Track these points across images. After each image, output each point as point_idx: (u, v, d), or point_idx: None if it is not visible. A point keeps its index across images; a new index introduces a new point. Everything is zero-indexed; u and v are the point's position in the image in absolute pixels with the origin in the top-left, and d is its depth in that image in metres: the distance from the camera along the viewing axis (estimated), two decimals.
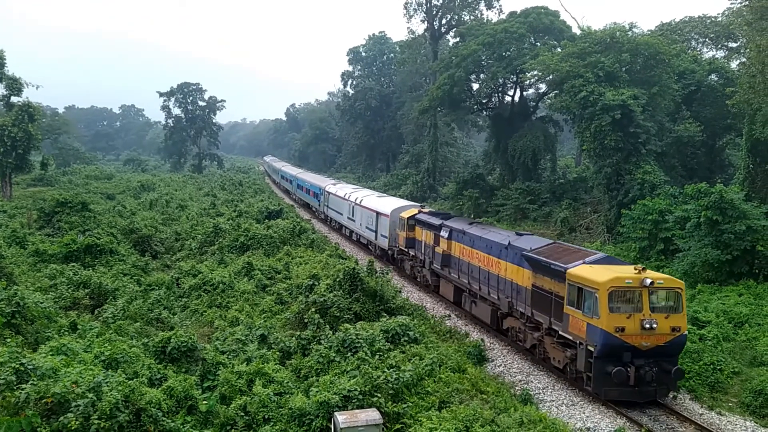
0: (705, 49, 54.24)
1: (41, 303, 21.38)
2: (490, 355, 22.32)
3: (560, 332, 18.70)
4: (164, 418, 13.94)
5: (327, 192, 52.99)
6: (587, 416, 17.42)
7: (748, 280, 26.09)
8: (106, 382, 13.95)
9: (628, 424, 16.76)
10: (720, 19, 52.63)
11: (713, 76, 44.16)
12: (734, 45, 50.57)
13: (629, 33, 43.34)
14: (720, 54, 52.69)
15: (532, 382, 19.99)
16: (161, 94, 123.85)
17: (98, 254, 32.29)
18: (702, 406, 18.04)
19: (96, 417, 12.97)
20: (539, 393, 19.08)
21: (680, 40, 50.82)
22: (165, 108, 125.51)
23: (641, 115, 37.67)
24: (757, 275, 26.45)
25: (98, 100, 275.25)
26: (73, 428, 12.66)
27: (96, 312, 23.47)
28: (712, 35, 52.87)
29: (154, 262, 36.24)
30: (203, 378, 17.46)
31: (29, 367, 14.23)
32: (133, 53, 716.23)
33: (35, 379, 13.82)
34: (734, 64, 46.34)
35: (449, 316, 27.25)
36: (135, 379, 15.02)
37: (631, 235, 33.70)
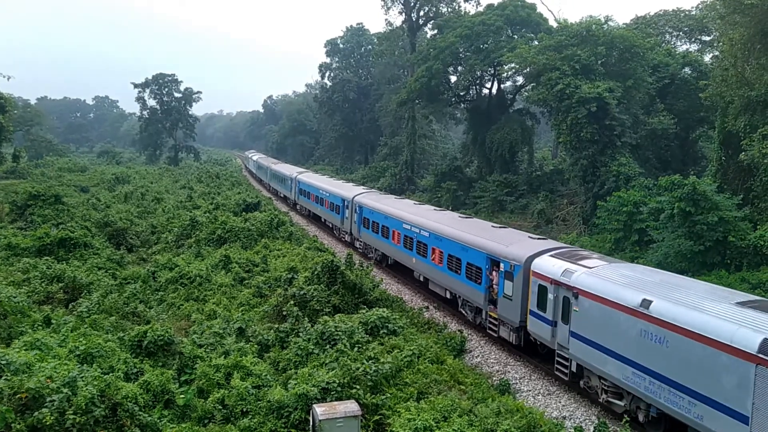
0: (679, 43, 55.05)
1: (14, 297, 21.01)
2: (469, 346, 22.50)
3: None
4: (141, 413, 13.81)
5: (491, 258, 22.79)
6: (563, 405, 17.71)
7: (720, 270, 26.50)
8: (82, 377, 13.74)
9: (602, 412, 17.05)
10: (694, 12, 53.46)
11: (687, 70, 44.73)
12: (707, 38, 51.40)
13: (605, 26, 43.73)
14: (693, 47, 53.57)
15: (509, 372, 20.22)
16: (136, 86, 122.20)
17: (72, 248, 31.80)
18: None
19: (71, 412, 12.79)
20: (516, 383, 19.30)
21: (655, 33, 51.40)
22: (140, 99, 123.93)
23: (616, 108, 38.11)
24: (729, 265, 26.88)
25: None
26: (48, 423, 12.47)
27: (70, 306, 23.10)
28: (685, 29, 53.62)
29: (129, 255, 35.79)
30: (180, 372, 17.31)
31: (2, 362, 13.97)
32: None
33: (9, 374, 13.59)
34: (707, 58, 47.09)
35: (427, 307, 27.39)
36: (111, 374, 14.84)
37: (607, 226, 34.08)
